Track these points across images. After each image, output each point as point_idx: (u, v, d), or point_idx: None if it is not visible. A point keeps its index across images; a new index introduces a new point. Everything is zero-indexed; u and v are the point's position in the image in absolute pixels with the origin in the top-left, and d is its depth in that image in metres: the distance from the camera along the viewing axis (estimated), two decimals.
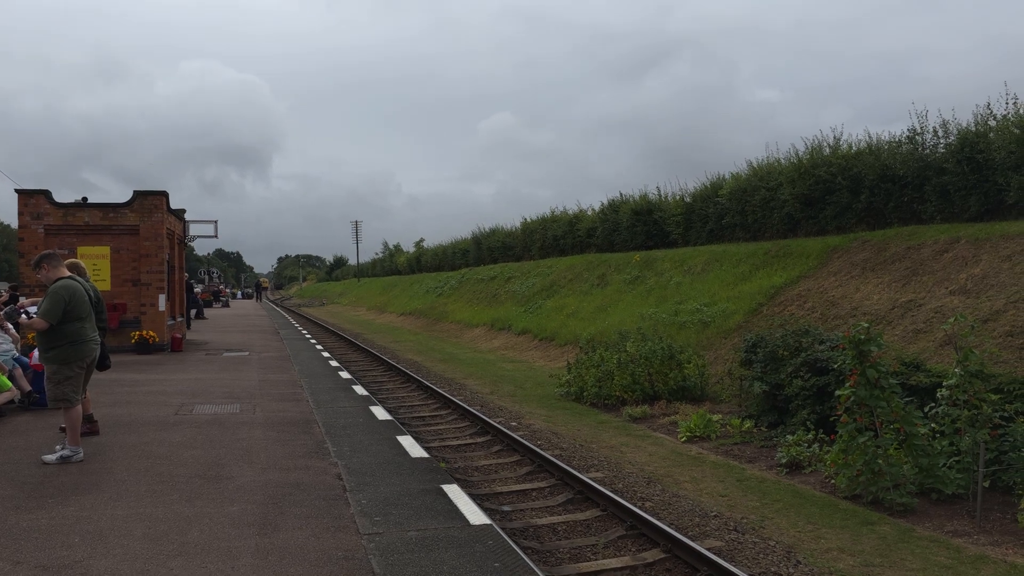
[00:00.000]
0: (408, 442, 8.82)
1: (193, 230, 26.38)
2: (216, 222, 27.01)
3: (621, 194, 29.09)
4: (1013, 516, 7.18)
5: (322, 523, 5.77)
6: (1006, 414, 7.87)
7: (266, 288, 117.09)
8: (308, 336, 27.63)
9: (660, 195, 26.88)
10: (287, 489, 6.72)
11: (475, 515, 6.03)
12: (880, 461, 7.79)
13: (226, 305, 60.13)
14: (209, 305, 50.94)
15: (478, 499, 7.73)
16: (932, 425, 8.18)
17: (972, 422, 7.63)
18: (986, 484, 7.59)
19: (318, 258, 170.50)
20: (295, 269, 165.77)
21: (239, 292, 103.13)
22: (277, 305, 71.68)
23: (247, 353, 19.80)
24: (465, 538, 5.49)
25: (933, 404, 8.23)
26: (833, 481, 8.48)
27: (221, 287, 76.47)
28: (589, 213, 31.99)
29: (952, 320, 8.24)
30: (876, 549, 6.65)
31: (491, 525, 5.84)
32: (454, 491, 6.73)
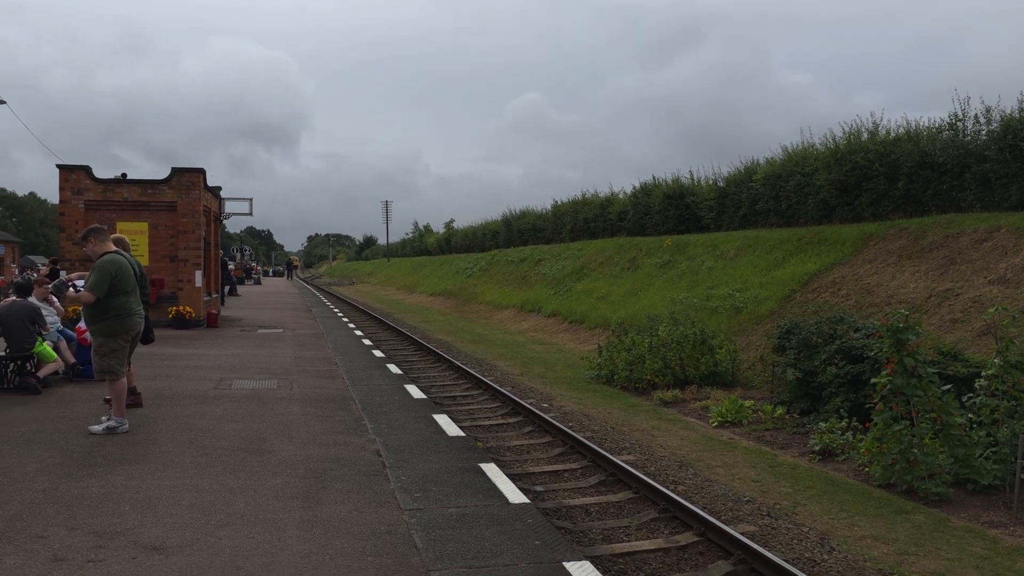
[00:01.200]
0: (444, 420, 8.93)
1: (228, 207, 26.69)
2: (251, 200, 27.33)
3: (654, 177, 29.01)
4: None
5: (364, 498, 5.89)
6: None
7: (296, 267, 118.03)
8: (340, 314, 27.91)
9: (693, 179, 26.75)
10: (328, 464, 6.86)
11: (513, 493, 6.12)
12: (915, 450, 7.77)
13: (258, 282, 60.83)
14: (241, 282, 51.53)
15: (512, 479, 7.83)
16: (969, 415, 8.13)
17: (1011, 413, 7.58)
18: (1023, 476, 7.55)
19: (347, 237, 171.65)
20: (325, 248, 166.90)
21: (270, 270, 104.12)
22: (307, 283, 72.31)
23: (281, 330, 20.06)
24: (505, 516, 5.58)
25: (971, 394, 8.18)
26: (867, 469, 8.47)
27: (253, 264, 77.22)
28: (620, 196, 31.91)
29: (992, 310, 8.17)
30: (911, 538, 6.65)
31: (530, 504, 5.93)
32: (492, 470, 6.82)
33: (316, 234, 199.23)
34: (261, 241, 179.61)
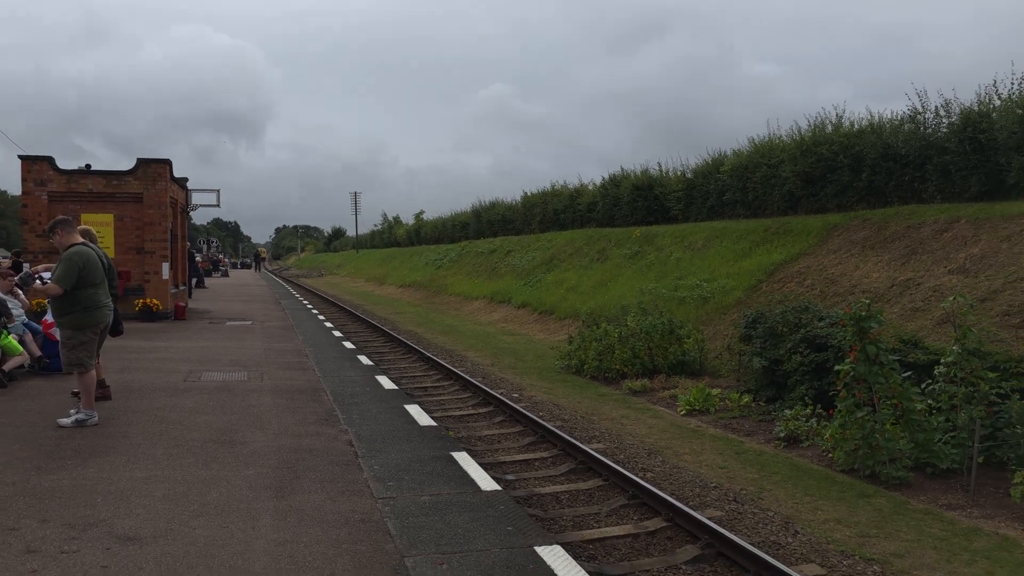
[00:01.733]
0: (416, 411, 8.99)
1: (195, 199, 26.42)
2: (218, 191, 27.08)
3: (622, 169, 29.17)
4: (1006, 491, 7.37)
5: (337, 487, 5.94)
6: (1002, 391, 8.03)
7: (264, 259, 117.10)
8: (309, 306, 27.79)
9: (661, 171, 26.96)
10: (300, 454, 6.89)
11: (485, 481, 6.21)
12: (877, 436, 7.97)
13: (225, 275, 60.30)
14: (209, 274, 51.05)
15: (484, 467, 7.91)
16: (929, 401, 8.35)
17: (969, 399, 7.79)
18: (980, 460, 7.77)
19: (316, 229, 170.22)
20: (293, 240, 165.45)
21: (237, 262, 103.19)
22: (275, 275, 71.76)
23: (250, 322, 19.95)
24: (477, 503, 5.66)
25: (930, 381, 8.40)
26: (830, 455, 8.66)
27: (220, 256, 76.52)
28: (590, 188, 32.05)
29: (951, 299, 8.38)
30: (872, 520, 6.83)
31: (502, 491, 6.02)
32: (464, 458, 6.90)
33: (284, 226, 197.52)
34: (228, 233, 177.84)
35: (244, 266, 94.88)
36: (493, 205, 42.63)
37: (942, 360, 8.16)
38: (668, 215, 25.65)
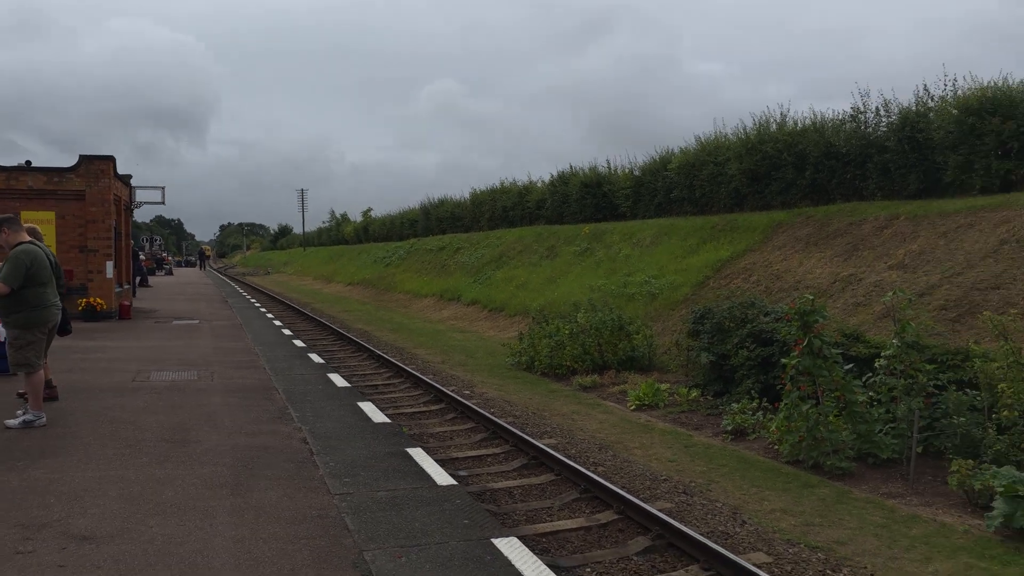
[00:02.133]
0: (369, 408, 9.00)
1: (139, 196, 25.90)
2: (163, 188, 26.57)
3: (571, 166, 29.37)
4: (943, 479, 7.66)
5: (293, 484, 5.95)
6: (939, 383, 8.34)
7: (209, 256, 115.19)
8: (257, 305, 27.47)
9: (610, 168, 27.20)
10: (255, 452, 6.87)
11: (441, 476, 6.27)
12: (821, 428, 8.22)
13: (169, 273, 59.22)
14: (152, 273, 50.05)
15: (438, 463, 7.96)
16: (870, 393, 8.62)
17: (908, 391, 8.08)
18: (919, 449, 8.07)
19: (262, 226, 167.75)
20: (238, 237, 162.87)
21: (181, 260, 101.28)
22: (221, 274, 70.62)
23: (197, 321, 19.66)
24: (433, 497, 5.72)
25: (871, 374, 8.68)
26: (776, 447, 8.89)
27: (164, 255, 75.06)
28: (539, 185, 32.19)
29: (891, 294, 8.67)
30: (816, 510, 7.05)
31: (457, 486, 6.09)
32: (419, 454, 6.95)
33: (229, 223, 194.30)
34: (171, 231, 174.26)
35: (188, 264, 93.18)
36: (442, 202, 42.56)
37: (883, 353, 8.44)
38: (617, 212, 25.92)
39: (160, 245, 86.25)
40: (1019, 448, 7.21)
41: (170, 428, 7.76)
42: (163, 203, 27.23)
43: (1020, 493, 6.11)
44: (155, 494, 5.65)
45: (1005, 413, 7.41)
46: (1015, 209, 12.37)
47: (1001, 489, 6.25)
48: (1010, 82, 14.40)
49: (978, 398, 7.90)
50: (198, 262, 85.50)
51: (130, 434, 7.51)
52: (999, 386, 7.53)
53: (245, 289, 41.08)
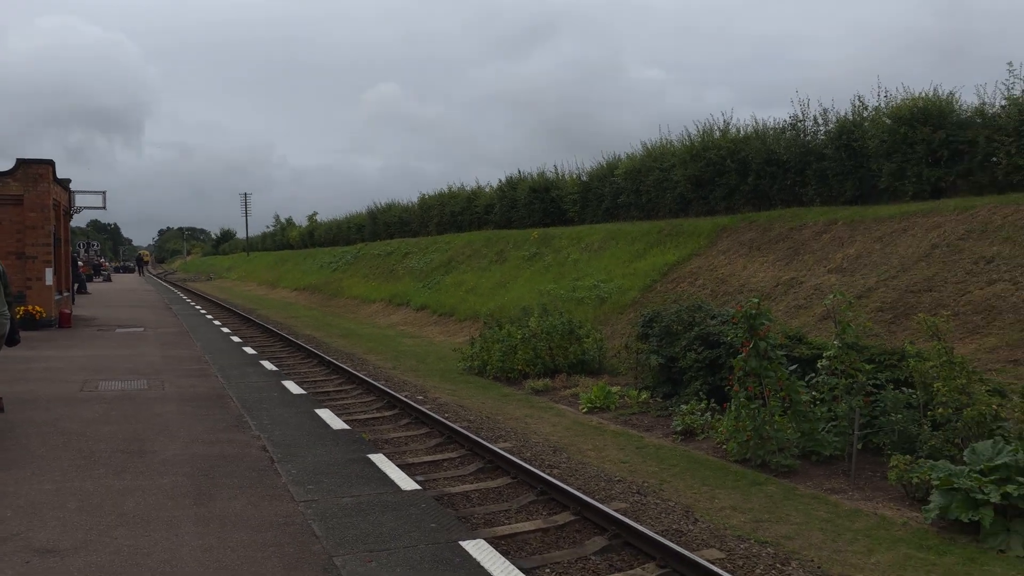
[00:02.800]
0: (327, 415, 9.03)
1: (79, 201, 25.33)
2: (104, 193, 26.00)
3: (519, 171, 29.63)
4: (883, 474, 8.00)
5: (256, 492, 5.98)
6: (878, 382, 8.71)
7: (147, 262, 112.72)
8: (202, 311, 27.08)
9: (557, 173, 27.53)
10: (214, 461, 6.87)
11: (405, 481, 6.36)
12: (767, 427, 8.51)
13: (108, 279, 57.83)
14: (90, 279, 48.84)
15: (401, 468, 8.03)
16: (813, 393, 8.96)
17: (848, 390, 8.42)
18: (860, 446, 8.40)
19: (203, 231, 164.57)
20: (178, 242, 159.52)
21: (119, 266, 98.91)
22: (161, 280, 69.19)
23: (142, 329, 19.34)
24: (399, 502, 5.82)
25: (814, 374, 9.01)
26: (725, 446, 9.16)
27: (102, 260, 73.24)
28: (487, 190, 32.36)
29: (831, 297, 9.03)
30: (764, 506, 7.32)
31: (421, 490, 6.19)
32: (381, 459, 7.03)
33: (168, 227, 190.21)
34: (108, 236, 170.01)
35: (126, 270, 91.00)
36: (390, 207, 42.43)
37: (824, 354, 8.78)
38: (565, 217, 26.21)
39: (97, 250, 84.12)
40: (953, 443, 7.58)
41: (125, 439, 7.70)
42: (104, 208, 26.66)
43: (955, 486, 6.44)
44: (116, 505, 5.63)
45: (940, 410, 7.79)
46: (945, 215, 12.93)
47: (937, 482, 6.59)
48: (940, 93, 15.04)
49: (914, 396, 8.28)
50: (135, 267, 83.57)
51: (84, 445, 7.43)
52: (933, 384, 7.90)
53: (188, 295, 40.38)
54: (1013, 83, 13.74)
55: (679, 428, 10.09)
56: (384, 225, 41.84)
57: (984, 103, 14.36)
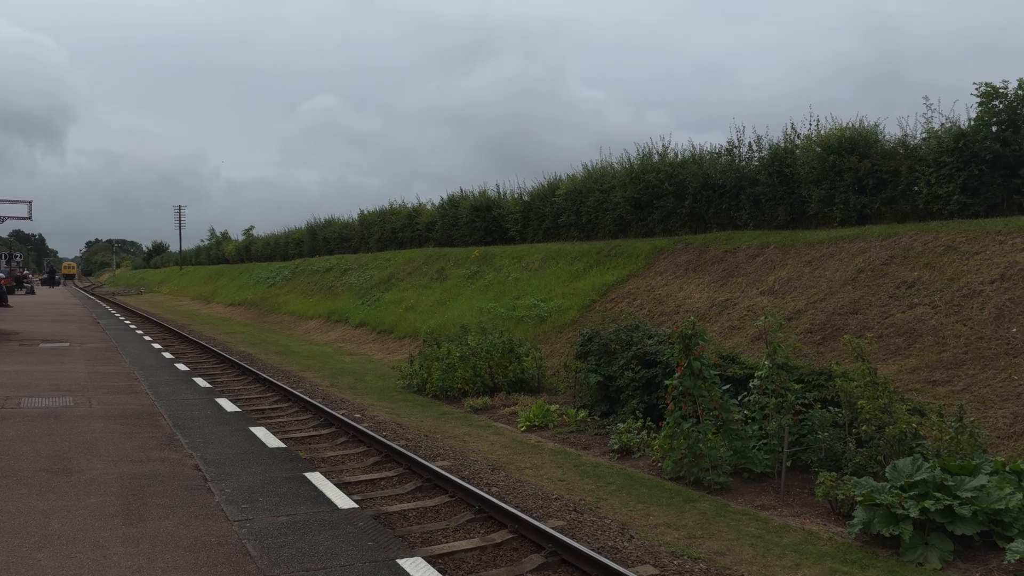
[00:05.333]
0: (263, 432, 8.92)
1: (3, 210, 24.55)
2: (30, 203, 25.26)
3: (461, 189, 29.71)
4: (811, 491, 8.23)
5: (188, 512, 5.87)
6: (806, 401, 8.97)
7: (73, 275, 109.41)
8: (132, 326, 26.40)
9: (499, 192, 27.69)
10: (144, 480, 6.72)
11: (342, 500, 6.32)
12: (701, 445, 8.68)
13: (31, 292, 55.96)
14: (12, 292, 47.19)
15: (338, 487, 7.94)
16: (745, 412, 9.18)
17: (778, 409, 8.66)
18: (789, 463, 8.63)
19: (134, 244, 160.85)
20: (107, 255, 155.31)
21: (45, 278, 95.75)
22: (88, 293, 67.23)
23: (68, 344, 18.78)
24: (335, 520, 5.78)
25: (746, 393, 9.24)
26: (660, 464, 9.31)
27: (25, 272, 70.83)
28: (429, 207, 32.35)
29: (763, 318, 9.28)
30: (697, 523, 7.46)
31: (359, 509, 6.15)
32: (318, 478, 6.97)
33: (97, 239, 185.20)
34: (32, 247, 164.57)
35: (45, 283, 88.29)
36: (329, 222, 42.08)
37: (756, 374, 9.01)
38: (506, 236, 26.36)
39: (19, 261, 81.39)
40: (876, 460, 7.84)
41: (49, 457, 7.48)
42: (30, 219, 25.92)
43: (876, 502, 6.67)
44: (40, 526, 5.47)
45: (864, 428, 8.05)
46: (870, 240, 13.41)
47: (860, 498, 6.81)
48: (866, 124, 15.65)
49: (840, 415, 8.55)
50: (49, 279, 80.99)
51: (4, 464, 7.20)
52: (858, 403, 8.17)
53: (117, 309, 39.31)
54: (932, 116, 14.38)
55: (616, 446, 10.20)
56: (323, 241, 41.45)
57: (906, 134, 15.01)
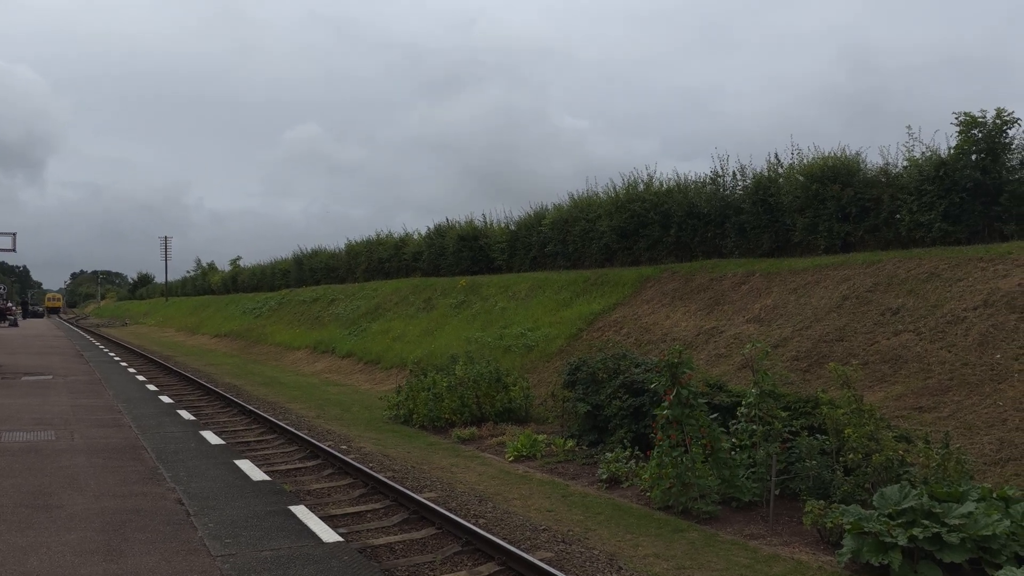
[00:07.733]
0: (247, 465, 8.83)
1: None
2: (15, 235, 25.11)
3: (448, 219, 29.79)
4: (799, 519, 8.19)
5: (170, 547, 5.79)
6: (793, 429, 8.96)
7: (59, 307, 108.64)
8: (116, 358, 26.18)
9: (486, 222, 27.78)
10: (126, 515, 6.63)
11: (327, 533, 6.24)
12: (689, 474, 8.65)
13: (14, 324, 55.47)
14: None
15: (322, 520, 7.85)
16: (733, 440, 9.16)
17: (766, 436, 8.64)
18: (777, 492, 8.60)
19: (119, 275, 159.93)
20: (92, 286, 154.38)
21: (29, 309, 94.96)
22: (73, 325, 66.72)
23: (51, 376, 18.60)
24: (320, 555, 5.70)
25: (734, 421, 9.23)
26: (648, 494, 9.26)
27: (9, 304, 70.26)
28: (415, 237, 32.38)
29: (749, 346, 9.30)
30: (686, 553, 7.41)
31: (343, 542, 6.08)
32: (302, 511, 6.89)
33: (82, 271, 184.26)
34: (16, 278, 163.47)
35: (35, 315, 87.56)
36: (316, 253, 42.05)
37: (743, 402, 9.01)
38: (493, 265, 26.39)
39: (3, 294, 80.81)
40: (863, 488, 7.83)
41: (30, 492, 7.37)
42: (14, 250, 25.73)
43: (865, 530, 6.65)
44: (19, 563, 5.38)
45: (851, 456, 8.05)
46: (854, 267, 13.50)
47: (848, 526, 6.79)
48: (848, 152, 15.84)
49: (827, 442, 8.54)
50: (35, 310, 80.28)
51: None
52: (845, 431, 8.17)
53: (101, 342, 39.00)
54: (913, 145, 14.55)
55: (604, 476, 10.15)
56: (310, 271, 41.38)
57: (888, 163, 15.19)
